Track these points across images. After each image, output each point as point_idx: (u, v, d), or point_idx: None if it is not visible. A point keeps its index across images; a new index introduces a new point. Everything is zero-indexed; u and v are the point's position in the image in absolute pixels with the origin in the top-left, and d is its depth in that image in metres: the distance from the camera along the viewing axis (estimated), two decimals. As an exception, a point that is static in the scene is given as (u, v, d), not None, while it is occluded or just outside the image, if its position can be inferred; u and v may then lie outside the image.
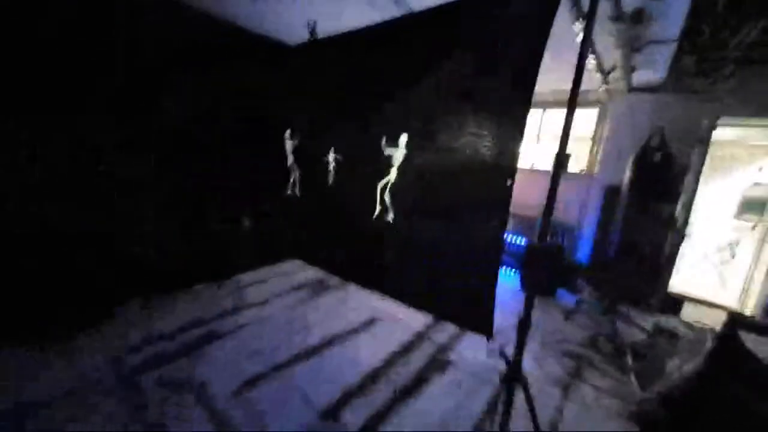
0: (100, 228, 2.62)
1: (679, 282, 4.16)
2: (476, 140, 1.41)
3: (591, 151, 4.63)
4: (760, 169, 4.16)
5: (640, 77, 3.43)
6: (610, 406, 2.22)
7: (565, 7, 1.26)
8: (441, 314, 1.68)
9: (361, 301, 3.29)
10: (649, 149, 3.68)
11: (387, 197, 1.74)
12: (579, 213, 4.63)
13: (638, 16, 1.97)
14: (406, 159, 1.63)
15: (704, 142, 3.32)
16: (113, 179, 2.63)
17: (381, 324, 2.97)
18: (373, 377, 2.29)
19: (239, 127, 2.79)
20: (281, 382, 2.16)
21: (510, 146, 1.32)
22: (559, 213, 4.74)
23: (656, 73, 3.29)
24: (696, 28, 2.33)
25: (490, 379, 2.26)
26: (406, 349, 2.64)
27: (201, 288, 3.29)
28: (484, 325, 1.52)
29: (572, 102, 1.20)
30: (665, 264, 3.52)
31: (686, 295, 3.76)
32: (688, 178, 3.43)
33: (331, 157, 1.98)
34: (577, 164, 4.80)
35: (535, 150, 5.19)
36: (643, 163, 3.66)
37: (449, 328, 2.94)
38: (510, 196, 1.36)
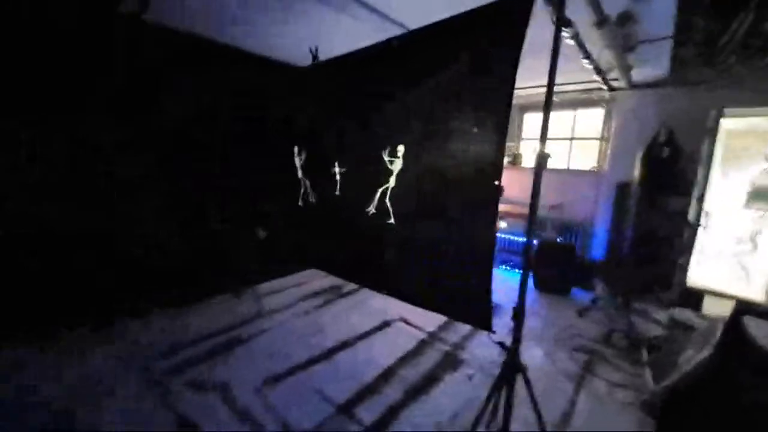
0: (138, 242, 2.87)
1: (699, 276, 4.06)
2: (464, 147, 1.52)
3: (600, 149, 4.64)
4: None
5: (640, 74, 3.46)
6: (623, 398, 2.24)
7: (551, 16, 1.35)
8: (442, 311, 1.77)
9: (374, 306, 3.41)
10: (656, 144, 3.68)
11: (388, 202, 1.87)
12: (591, 210, 4.62)
13: (623, 19, 2.05)
14: (404, 167, 1.77)
15: (713, 133, 3.30)
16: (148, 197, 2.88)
17: (394, 326, 3.07)
18: (387, 376, 2.39)
19: (256, 144, 3.01)
20: (299, 381, 2.30)
21: (494, 151, 1.43)
22: (572, 211, 4.74)
23: (656, 69, 3.32)
24: (689, 22, 2.38)
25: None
26: (419, 349, 2.73)
27: (223, 297, 3.50)
28: (483, 320, 1.60)
29: (547, 106, 1.30)
30: (680, 258, 3.47)
31: (707, 289, 3.67)
32: (700, 171, 3.39)
33: (337, 168, 2.14)
34: (587, 162, 4.80)
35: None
36: (651, 158, 3.66)
37: (461, 329, 3.02)
38: (498, 195, 1.47)
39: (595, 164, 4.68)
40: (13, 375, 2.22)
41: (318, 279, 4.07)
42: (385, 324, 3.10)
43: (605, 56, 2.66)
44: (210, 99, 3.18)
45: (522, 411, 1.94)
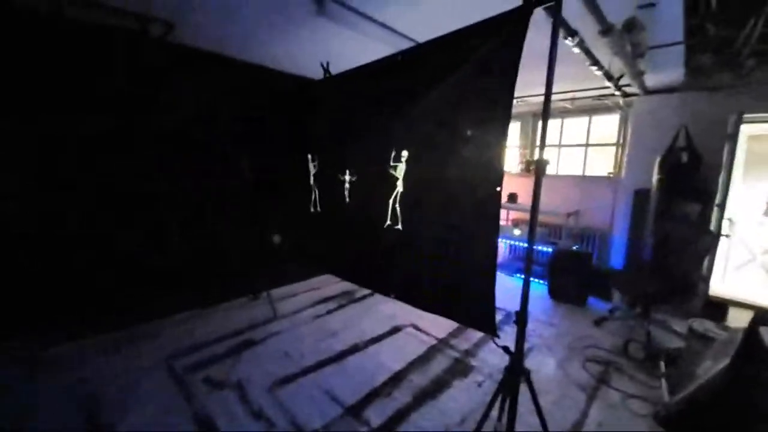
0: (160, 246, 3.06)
1: (723, 286, 3.91)
2: (467, 154, 1.58)
3: (616, 156, 4.57)
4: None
5: (654, 80, 3.42)
6: (637, 410, 2.19)
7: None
8: (447, 314, 1.80)
9: (385, 311, 3.45)
10: (675, 149, 3.61)
11: (396, 207, 1.94)
12: (609, 218, 4.55)
13: (629, 27, 2.07)
14: (408, 173, 1.83)
15: (733, 138, 3.21)
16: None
17: (404, 332, 3.10)
18: (396, 380, 2.42)
19: (272, 153, 3.15)
20: (309, 382, 2.37)
21: (496, 157, 1.48)
22: (589, 219, 4.67)
23: (671, 75, 3.28)
24: (699, 27, 2.36)
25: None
26: (429, 355, 2.75)
27: (240, 301, 3.66)
28: (487, 324, 1.62)
29: (545, 113, 1.34)
30: (701, 267, 3.36)
31: (731, 299, 3.53)
32: (721, 177, 3.30)
33: (347, 176, 2.23)
34: (604, 169, 4.74)
35: (558, 156, 5.19)
36: (670, 163, 3.59)
37: (472, 337, 3.02)
38: (500, 201, 1.50)
39: (612, 171, 4.61)
40: (48, 369, 2.40)
41: (331, 284, 4.16)
42: (396, 329, 3.13)
43: (616, 63, 2.66)
44: (232, 112, 3.37)
45: (529, 418, 1.94)
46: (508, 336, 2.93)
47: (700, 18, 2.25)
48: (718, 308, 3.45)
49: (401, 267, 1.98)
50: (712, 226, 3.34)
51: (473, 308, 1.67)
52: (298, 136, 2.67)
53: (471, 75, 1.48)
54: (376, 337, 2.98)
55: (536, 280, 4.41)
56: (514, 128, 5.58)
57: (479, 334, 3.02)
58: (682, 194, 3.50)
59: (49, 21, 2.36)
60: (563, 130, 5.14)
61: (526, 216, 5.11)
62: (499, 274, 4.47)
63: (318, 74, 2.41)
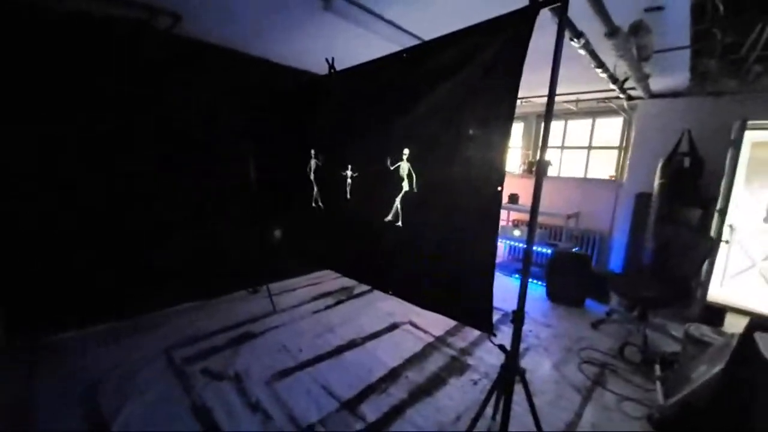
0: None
1: (721, 291, 3.92)
2: (468, 153, 1.58)
3: (619, 159, 4.57)
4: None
5: (659, 84, 3.42)
6: (631, 412, 2.20)
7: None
8: (444, 312, 1.81)
9: (383, 308, 3.47)
10: (677, 154, 3.61)
11: (396, 205, 1.94)
12: (609, 221, 4.55)
13: (635, 30, 2.06)
14: (409, 171, 1.84)
15: (737, 144, 3.20)
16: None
17: (402, 329, 3.12)
18: (392, 376, 2.44)
19: (275, 149, 3.16)
20: (306, 376, 2.39)
21: (498, 158, 1.48)
22: (589, 221, 4.68)
23: (676, 79, 3.27)
24: (706, 32, 2.36)
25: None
26: (425, 352, 2.77)
27: (239, 294, 3.68)
28: (484, 323, 1.63)
29: (548, 115, 1.35)
30: (701, 272, 3.36)
31: (729, 304, 3.54)
32: (723, 183, 3.30)
33: (349, 172, 2.24)
34: (606, 172, 4.74)
35: (561, 158, 5.19)
36: (672, 168, 3.58)
37: (469, 336, 3.03)
38: (500, 201, 1.51)
39: (614, 174, 4.61)
40: (49, 357, 2.44)
41: (330, 279, 4.18)
42: (394, 326, 3.15)
43: (621, 66, 2.66)
44: (237, 105, 3.38)
45: (523, 417, 1.96)
46: (504, 336, 2.94)
47: (707, 23, 2.24)
48: (716, 314, 3.45)
49: (400, 264, 1.99)
50: (713, 232, 3.35)
51: (471, 307, 1.68)
52: (301, 132, 2.68)
53: (475, 74, 1.48)
54: (374, 334, 3.00)
55: (534, 281, 4.42)
56: (517, 129, 5.58)
57: (476, 333, 3.04)
58: (684, 199, 3.50)
59: (48, 12, 2.35)
60: (566, 132, 5.13)
61: (527, 217, 5.12)
62: (498, 274, 4.47)
63: (323, 70, 2.41)
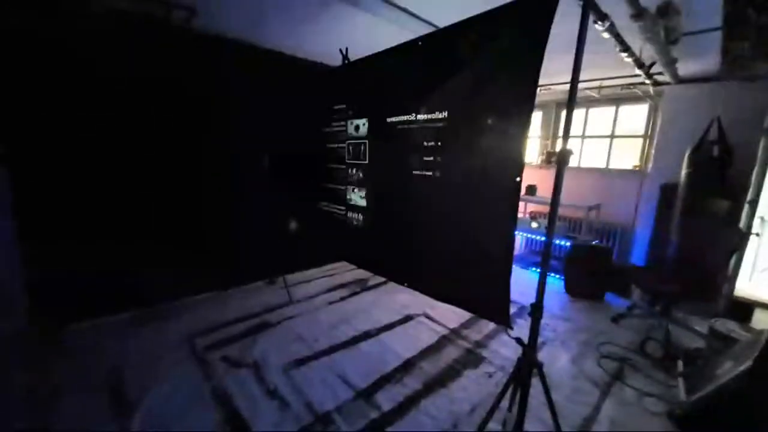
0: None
1: (750, 287, 3.75)
2: (486, 143, 1.55)
3: (643, 148, 4.40)
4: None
5: (687, 68, 3.25)
6: (652, 408, 2.15)
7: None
8: (461, 305, 1.80)
9: (398, 300, 3.48)
10: (706, 143, 3.44)
11: (415, 197, 1.93)
12: (632, 213, 4.40)
13: (662, 11, 1.96)
14: (426, 163, 1.82)
15: (770, 132, 3.03)
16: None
17: (417, 321, 3.13)
18: (407, 367, 2.45)
19: (292, 140, 3.18)
20: (322, 365, 2.43)
21: (517, 147, 1.44)
22: (611, 213, 4.54)
23: (705, 63, 3.10)
24: (739, 13, 2.21)
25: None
26: (440, 344, 2.77)
27: (257, 285, 3.76)
28: (501, 315, 1.62)
29: (570, 102, 1.30)
30: (728, 266, 3.23)
31: (757, 300, 3.39)
32: (754, 173, 3.13)
33: (364, 165, 2.23)
34: (629, 162, 4.57)
35: (581, 148, 5.04)
36: (700, 157, 3.43)
37: (484, 328, 3.01)
38: (519, 192, 1.48)
39: (638, 163, 4.45)
40: (75, 342, 2.56)
41: (345, 271, 4.21)
42: (408, 318, 3.16)
43: (647, 50, 2.54)
44: (253, 97, 3.40)
45: (539, 411, 1.94)
46: (521, 329, 2.87)
47: (741, 3, 2.10)
48: (743, 309, 3.31)
49: (416, 256, 1.98)
50: (742, 224, 3.20)
51: (487, 299, 1.66)
52: (316, 124, 2.68)
53: (493, 61, 1.45)
54: (389, 325, 3.02)
55: (553, 274, 4.34)
56: (536, 118, 5.43)
57: (491, 326, 3.01)
58: (712, 190, 3.35)
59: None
60: (588, 120, 4.96)
61: (545, 209, 5.00)
62: (515, 267, 4.40)
63: (335, 61, 2.39)
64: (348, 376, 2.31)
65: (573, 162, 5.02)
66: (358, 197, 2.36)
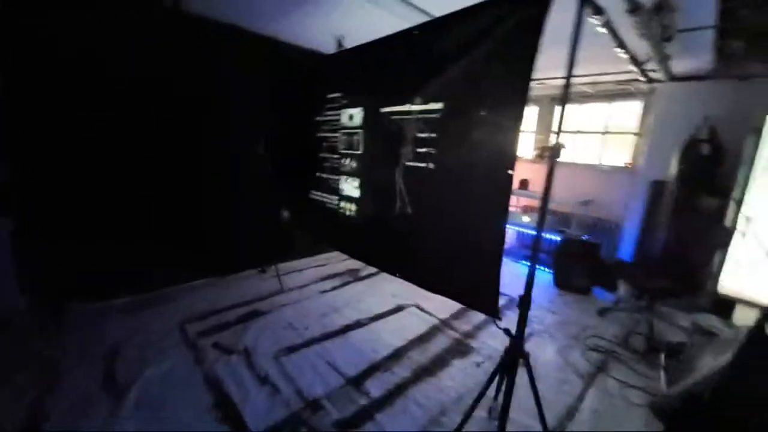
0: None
1: (732, 283, 3.84)
2: (479, 135, 1.55)
3: (635, 145, 4.44)
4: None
5: (681, 66, 3.27)
6: (634, 399, 2.21)
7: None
8: (451, 295, 1.82)
9: (389, 290, 3.50)
10: (696, 141, 3.49)
11: (404, 188, 1.93)
12: (622, 208, 4.46)
13: (659, 7, 1.97)
14: (419, 153, 1.82)
15: (759, 132, 3.08)
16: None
17: (407, 311, 3.16)
18: (397, 356, 2.49)
19: (283, 127, 3.15)
20: (313, 353, 2.45)
21: (510, 140, 1.45)
22: (602, 208, 4.59)
23: (699, 61, 3.13)
24: (733, 12, 2.23)
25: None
26: (430, 334, 2.81)
27: (249, 273, 3.76)
28: (490, 307, 1.64)
29: (564, 96, 1.31)
30: (712, 263, 3.30)
31: (739, 296, 3.48)
32: (741, 171, 3.19)
33: (356, 153, 2.22)
34: (621, 158, 4.61)
35: (573, 144, 5.06)
36: (690, 155, 3.48)
37: (473, 319, 3.06)
38: (511, 184, 1.49)
39: (629, 160, 4.49)
40: (72, 323, 2.57)
41: (337, 262, 4.23)
42: (399, 308, 3.19)
43: (641, 46, 2.55)
44: (246, 84, 3.35)
45: (524, 400, 1.99)
46: (509, 321, 2.91)
47: (735, 1, 2.12)
48: (725, 305, 3.40)
49: (408, 247, 1.99)
50: (727, 222, 3.26)
51: (477, 290, 1.68)
52: (310, 111, 2.65)
53: (489, 53, 1.44)
54: (380, 315, 3.05)
55: (542, 268, 4.40)
56: (531, 112, 5.43)
57: (481, 317, 3.06)
58: (701, 187, 3.41)
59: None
60: (581, 116, 4.98)
61: (537, 203, 5.04)
62: (505, 260, 4.46)
63: (330, 48, 2.36)
64: (338, 364, 2.34)
65: (566, 158, 5.04)
66: (351, 187, 2.36)
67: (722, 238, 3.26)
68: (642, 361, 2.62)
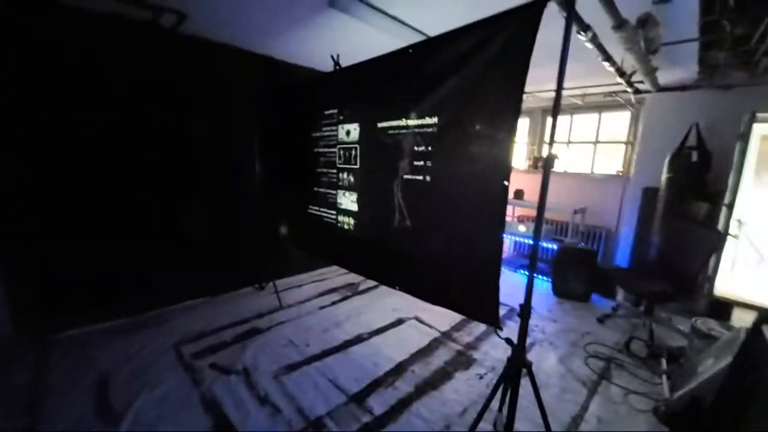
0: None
1: (728, 286, 3.88)
2: (474, 148, 1.59)
3: (626, 153, 4.53)
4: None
5: (667, 77, 3.38)
6: (637, 405, 2.20)
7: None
8: (451, 306, 1.82)
9: (389, 304, 3.49)
10: (685, 148, 3.58)
11: (401, 200, 1.95)
12: (616, 216, 4.52)
13: (642, 22, 2.04)
14: (416, 167, 1.85)
15: (745, 138, 3.17)
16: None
17: (408, 324, 3.14)
18: (399, 370, 2.46)
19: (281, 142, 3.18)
20: (314, 370, 2.41)
21: (504, 152, 1.48)
22: (596, 216, 4.65)
23: (684, 72, 3.24)
24: (715, 24, 2.32)
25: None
26: (431, 347, 2.78)
27: (247, 290, 3.73)
28: (491, 317, 1.65)
29: (555, 108, 1.34)
30: (708, 267, 3.34)
31: (736, 299, 3.51)
32: (731, 177, 3.26)
33: (354, 169, 2.25)
34: (613, 166, 4.70)
35: (566, 153, 5.16)
36: (680, 162, 3.56)
37: (475, 330, 3.04)
38: (507, 195, 1.52)
39: (621, 168, 4.58)
40: (61, 349, 2.50)
41: (335, 276, 4.21)
42: (400, 321, 3.17)
43: (628, 59, 2.63)
44: (241, 103, 3.39)
45: (529, 410, 1.97)
46: (510, 331, 2.92)
47: (716, 14, 2.21)
48: (723, 308, 3.43)
49: (407, 259, 2.00)
50: (720, 226, 3.32)
51: (477, 301, 1.69)
52: (306, 129, 2.69)
53: (482, 69, 1.49)
54: (380, 329, 3.02)
55: (540, 276, 4.41)
56: (523, 124, 5.54)
57: (482, 328, 3.05)
58: (691, 193, 3.47)
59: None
60: (572, 127, 5.09)
61: (532, 213, 5.09)
62: (504, 269, 4.47)
63: (327, 67, 2.42)
64: (340, 381, 2.31)
65: (559, 167, 5.13)
66: (348, 201, 2.38)
67: (715, 242, 3.31)
68: (643, 366, 2.62)
